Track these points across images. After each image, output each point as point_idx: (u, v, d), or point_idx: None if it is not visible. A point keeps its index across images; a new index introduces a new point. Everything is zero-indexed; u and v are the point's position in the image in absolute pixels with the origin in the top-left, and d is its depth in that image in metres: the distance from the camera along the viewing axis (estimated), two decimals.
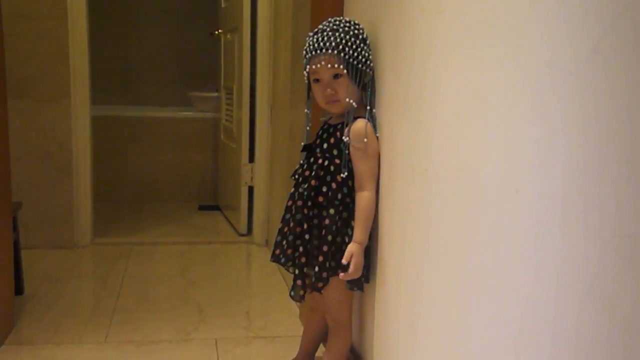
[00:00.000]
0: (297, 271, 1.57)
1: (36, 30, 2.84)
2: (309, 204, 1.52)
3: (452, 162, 1.09)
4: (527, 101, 0.85)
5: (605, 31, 0.69)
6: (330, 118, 1.58)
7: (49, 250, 2.93)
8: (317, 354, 1.82)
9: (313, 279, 1.52)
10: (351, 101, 1.46)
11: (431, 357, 1.21)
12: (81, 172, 3.00)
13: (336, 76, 1.45)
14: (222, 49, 3.69)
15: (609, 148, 0.69)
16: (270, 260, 1.63)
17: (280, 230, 1.61)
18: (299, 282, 1.57)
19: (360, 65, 1.45)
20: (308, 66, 1.48)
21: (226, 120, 3.63)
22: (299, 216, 1.54)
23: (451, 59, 1.10)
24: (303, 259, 1.55)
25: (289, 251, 1.57)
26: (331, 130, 1.54)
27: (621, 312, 0.68)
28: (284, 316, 2.26)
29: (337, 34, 1.43)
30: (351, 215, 1.50)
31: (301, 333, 1.84)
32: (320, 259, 1.50)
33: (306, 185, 1.53)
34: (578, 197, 0.74)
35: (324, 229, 1.50)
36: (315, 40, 1.46)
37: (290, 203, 1.58)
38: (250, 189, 3.25)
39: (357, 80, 1.46)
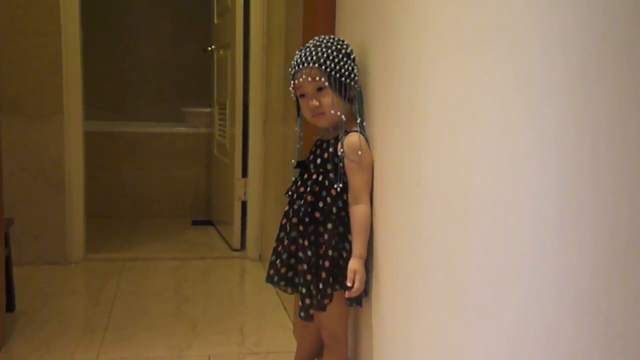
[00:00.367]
0: (304, 290, 1.54)
1: (29, 46, 2.85)
2: (306, 220, 1.53)
3: (443, 175, 1.10)
4: (518, 114, 0.86)
5: (596, 42, 0.71)
6: (322, 135, 1.59)
7: (41, 266, 2.92)
8: None
9: (319, 297, 1.51)
10: (338, 114, 1.48)
11: None
12: (74, 188, 2.99)
13: (320, 89, 1.48)
14: (215, 65, 3.71)
15: (601, 159, 0.70)
16: (266, 282, 1.62)
17: (275, 250, 1.60)
18: (307, 301, 1.53)
19: (343, 79, 1.47)
20: (293, 82, 1.51)
21: (219, 135, 3.64)
22: (293, 234, 1.54)
23: (440, 74, 1.11)
24: (308, 277, 1.53)
25: (283, 270, 1.57)
26: (324, 145, 1.55)
27: (615, 323, 0.68)
28: (277, 332, 2.25)
29: (319, 49, 1.47)
30: (347, 230, 1.51)
31: (295, 349, 1.83)
32: (323, 275, 1.50)
33: (301, 202, 1.53)
34: (571, 209, 0.75)
35: (324, 245, 1.50)
36: (298, 56, 1.50)
37: (284, 221, 1.58)
38: (244, 204, 3.25)
39: (342, 94, 1.48)
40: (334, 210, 1.50)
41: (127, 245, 3.35)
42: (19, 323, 2.24)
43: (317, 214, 1.52)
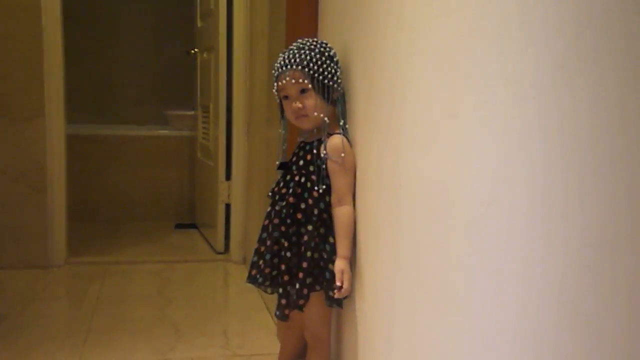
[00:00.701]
0: (281, 290, 1.56)
1: (10, 49, 2.83)
2: (287, 221, 1.53)
3: (424, 176, 1.12)
4: (499, 114, 0.88)
5: (578, 36, 0.72)
6: (305, 137, 1.60)
7: (22, 270, 2.89)
8: None
9: (294, 297, 1.53)
10: (322, 116, 1.49)
11: None
12: (56, 191, 2.97)
13: (303, 91, 1.49)
14: (199, 68, 3.71)
15: (586, 156, 0.70)
16: (247, 282, 1.63)
17: (257, 251, 1.61)
18: (283, 300, 1.56)
19: (326, 81, 1.48)
20: (276, 84, 1.52)
21: (203, 138, 3.63)
22: (276, 234, 1.55)
23: (420, 76, 1.13)
24: (286, 277, 1.55)
25: (267, 270, 1.57)
26: (307, 147, 1.56)
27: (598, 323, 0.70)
28: (261, 334, 2.25)
29: (302, 51, 1.48)
30: (329, 231, 1.52)
31: (278, 351, 1.84)
32: (300, 275, 1.51)
33: (283, 203, 1.54)
34: (554, 209, 0.76)
35: (303, 246, 1.51)
36: (282, 58, 1.51)
37: (267, 222, 1.59)
38: (227, 207, 3.25)
39: (325, 96, 1.49)
40: (316, 212, 1.51)
41: (110, 249, 3.33)
42: (0, 328, 2.22)
43: (299, 215, 1.53)
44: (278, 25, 2.36)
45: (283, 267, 1.54)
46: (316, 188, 1.50)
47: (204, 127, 3.61)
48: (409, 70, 1.18)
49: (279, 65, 1.51)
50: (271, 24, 2.59)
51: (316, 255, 1.51)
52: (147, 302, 2.57)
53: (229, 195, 3.23)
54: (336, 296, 1.48)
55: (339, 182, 1.49)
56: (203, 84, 3.59)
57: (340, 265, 1.48)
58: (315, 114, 1.49)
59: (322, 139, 1.51)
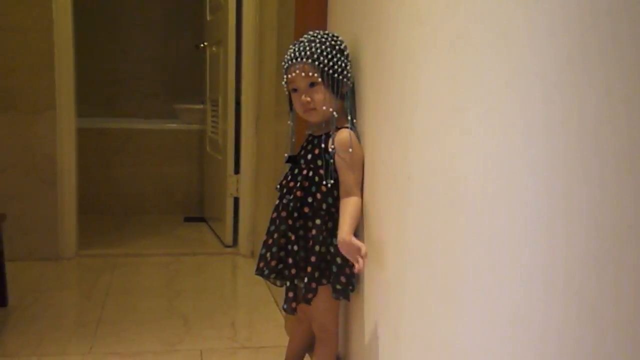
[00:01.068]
0: (288, 283, 1.57)
1: (21, 42, 2.85)
2: (295, 215, 1.54)
3: (434, 169, 1.12)
4: (508, 107, 0.88)
5: (584, 34, 0.72)
6: (314, 131, 1.61)
7: (34, 262, 2.92)
8: None
9: (303, 291, 1.53)
10: (330, 110, 1.49)
11: None
12: (66, 184, 2.99)
13: (312, 85, 1.48)
14: (208, 62, 3.71)
15: (591, 152, 0.70)
16: (255, 274, 1.64)
17: (265, 243, 1.61)
18: (290, 294, 1.56)
19: (336, 75, 1.48)
20: (285, 76, 1.52)
21: (212, 132, 3.64)
22: (283, 227, 1.55)
23: (430, 68, 1.13)
24: (293, 271, 1.55)
25: (273, 263, 1.58)
26: (315, 141, 1.56)
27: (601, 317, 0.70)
28: (269, 327, 2.27)
29: (312, 44, 1.48)
30: (336, 225, 1.52)
31: (287, 343, 1.85)
32: (309, 269, 1.51)
33: (291, 197, 1.55)
34: (560, 203, 0.76)
35: (311, 240, 1.52)
36: (292, 50, 1.50)
37: (274, 215, 1.59)
38: (236, 200, 3.26)
39: (335, 90, 1.48)
40: (324, 206, 1.51)
41: (119, 242, 3.35)
42: (11, 318, 2.24)
43: (306, 209, 1.53)
44: (287, 18, 2.37)
45: (290, 260, 1.55)
46: (324, 182, 1.51)
47: (213, 121, 3.62)
48: (419, 63, 1.18)
49: (289, 57, 1.50)
50: (280, 17, 2.60)
51: (324, 249, 1.51)
52: (156, 294, 2.59)
53: (237, 189, 3.24)
54: (356, 270, 1.40)
55: (346, 177, 1.49)
56: (212, 77, 3.60)
57: (347, 239, 1.40)
58: (324, 107, 1.49)
59: (330, 132, 1.51)
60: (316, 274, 1.51)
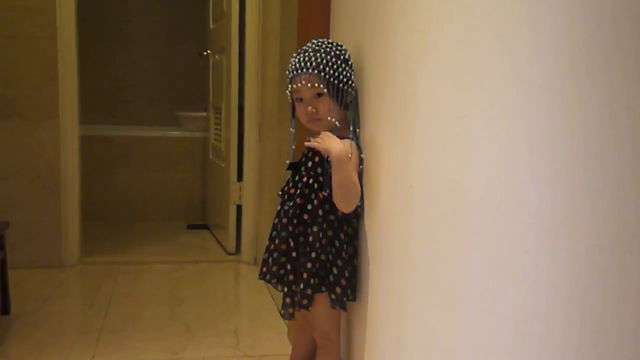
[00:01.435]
0: (285, 289, 1.58)
1: (25, 49, 2.86)
2: (295, 221, 1.54)
3: (436, 176, 1.12)
4: (510, 114, 0.88)
5: (586, 40, 0.72)
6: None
7: (37, 269, 2.92)
8: None
9: (298, 297, 1.53)
10: (333, 120, 1.48)
11: None
12: (69, 191, 3.00)
13: (318, 95, 1.48)
14: (211, 69, 3.73)
15: (593, 157, 0.70)
16: (258, 278, 1.64)
17: (267, 248, 1.62)
18: (287, 299, 1.57)
19: (341, 85, 1.47)
20: (290, 85, 1.51)
21: (215, 139, 3.65)
22: (284, 233, 1.56)
23: (432, 76, 1.13)
24: (291, 277, 1.56)
25: (274, 268, 1.58)
26: (316, 149, 1.56)
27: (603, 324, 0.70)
28: (272, 335, 2.26)
29: (318, 54, 1.47)
30: (335, 233, 1.52)
31: (289, 352, 1.84)
32: (305, 276, 1.51)
33: (291, 203, 1.55)
34: (563, 210, 0.76)
35: (308, 246, 1.52)
36: (297, 60, 1.49)
37: (276, 220, 1.59)
38: (239, 208, 3.26)
39: (339, 100, 1.48)
40: (320, 212, 1.51)
41: (122, 249, 3.35)
42: (14, 325, 2.24)
43: (306, 216, 1.53)
44: (290, 26, 2.37)
45: (289, 266, 1.55)
46: (322, 191, 1.51)
47: (215, 129, 3.62)
48: (421, 71, 1.18)
49: (294, 67, 1.49)
50: (283, 25, 2.61)
51: (322, 257, 1.51)
52: (159, 301, 2.59)
53: (240, 196, 3.24)
54: (308, 144, 1.48)
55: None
56: (215, 85, 3.61)
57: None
58: (329, 118, 1.49)
59: None
60: (312, 281, 1.51)
